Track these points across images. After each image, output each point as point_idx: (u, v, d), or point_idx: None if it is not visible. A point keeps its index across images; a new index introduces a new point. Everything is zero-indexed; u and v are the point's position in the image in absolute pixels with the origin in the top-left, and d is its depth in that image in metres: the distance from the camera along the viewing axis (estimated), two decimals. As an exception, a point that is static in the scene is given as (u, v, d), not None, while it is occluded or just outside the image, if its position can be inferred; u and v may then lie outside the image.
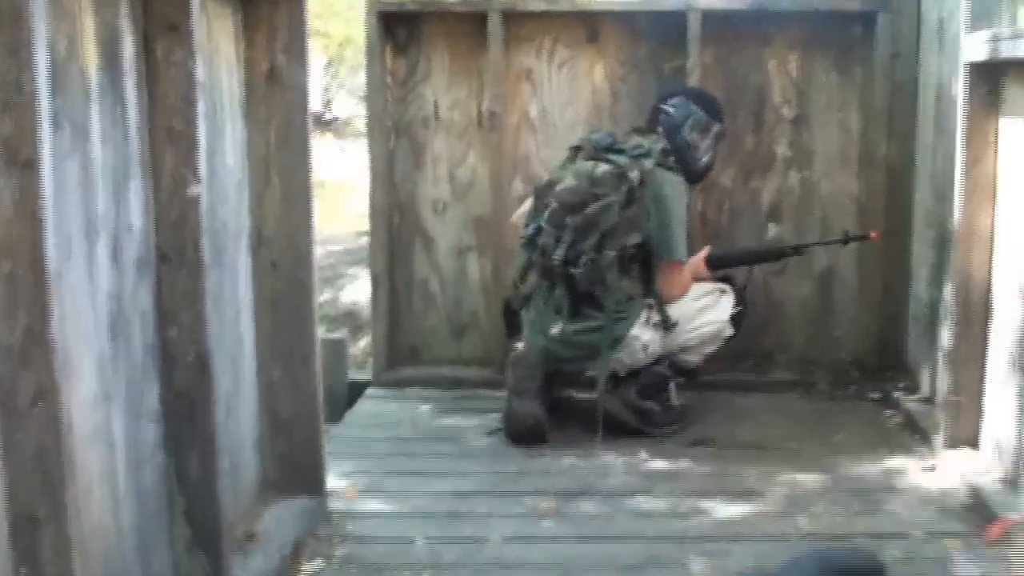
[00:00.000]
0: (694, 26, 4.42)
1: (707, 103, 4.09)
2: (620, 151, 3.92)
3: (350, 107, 14.74)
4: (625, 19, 4.57)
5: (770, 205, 4.67)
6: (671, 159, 3.96)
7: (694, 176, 4.07)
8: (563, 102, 4.63)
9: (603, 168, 3.86)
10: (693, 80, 4.43)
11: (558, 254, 3.80)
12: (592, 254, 3.76)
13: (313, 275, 3.22)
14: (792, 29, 4.56)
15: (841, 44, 4.57)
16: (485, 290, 4.71)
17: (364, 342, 6.36)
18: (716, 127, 4.08)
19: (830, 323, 4.72)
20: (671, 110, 4.03)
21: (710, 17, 4.45)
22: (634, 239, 3.80)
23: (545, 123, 4.64)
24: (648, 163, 3.85)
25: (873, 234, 4.32)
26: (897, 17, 4.42)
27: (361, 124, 14.03)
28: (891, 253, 4.52)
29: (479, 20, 4.50)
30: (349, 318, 6.92)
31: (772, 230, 4.67)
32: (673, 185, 3.90)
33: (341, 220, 9.13)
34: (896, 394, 4.32)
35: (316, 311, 3.26)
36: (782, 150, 4.64)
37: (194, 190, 2.54)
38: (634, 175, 3.80)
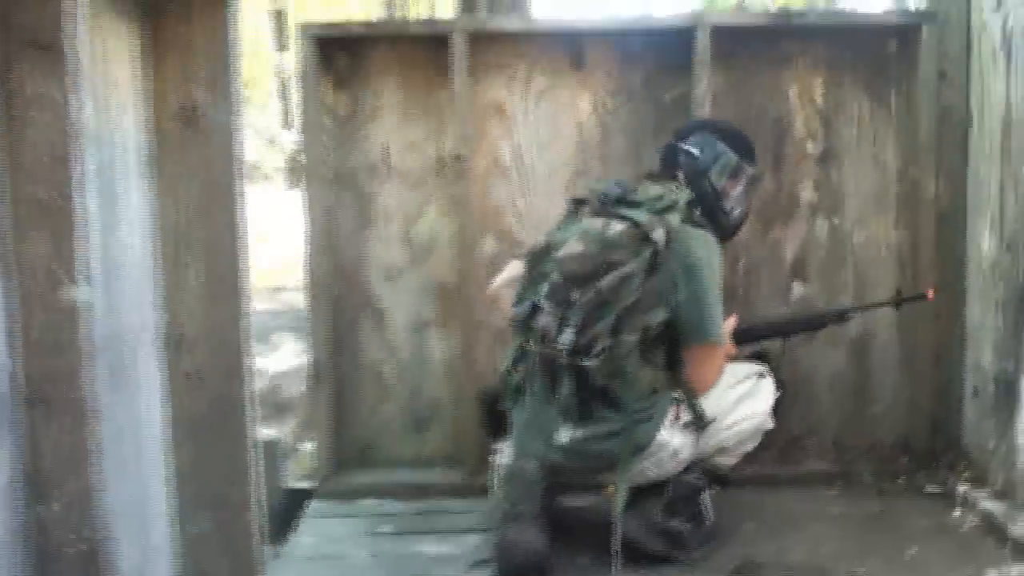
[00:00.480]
0: (703, 45, 3.61)
1: (736, 141, 3.28)
2: (636, 204, 3.09)
3: (256, 147, 13.81)
4: (617, 39, 3.74)
5: (794, 260, 3.86)
6: (697, 212, 3.15)
7: (725, 233, 3.25)
8: (542, 142, 3.78)
9: (618, 227, 3.01)
10: (702, 112, 3.62)
11: (564, 340, 2.94)
12: (608, 340, 2.91)
13: (247, 389, 2.34)
14: (817, 48, 3.78)
15: (873, 64, 3.79)
16: (450, 374, 3.83)
17: (290, 427, 5.44)
18: (749, 170, 3.27)
19: (868, 399, 3.91)
20: (695, 151, 3.22)
21: (721, 34, 3.63)
22: (659, 317, 2.96)
23: (521, 167, 3.79)
24: (674, 219, 3.02)
25: (930, 293, 3.54)
26: (944, 30, 3.65)
27: (269, 166, 13.17)
28: (941, 314, 3.74)
29: (439, 44, 3.63)
30: (269, 395, 5.98)
31: (797, 290, 3.86)
32: (706, 246, 3.07)
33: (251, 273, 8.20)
34: (961, 487, 3.54)
35: (252, 438, 2.38)
36: (807, 194, 3.84)
37: (74, 293, 1.67)
38: (658, 235, 2.96)
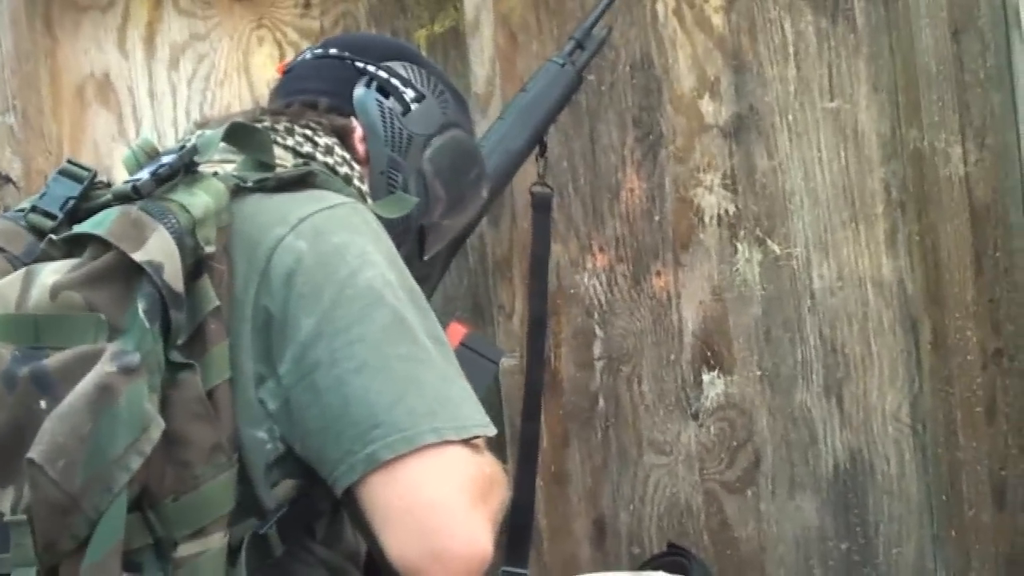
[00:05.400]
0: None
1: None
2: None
3: None
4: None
5: (699, 329, 1.99)
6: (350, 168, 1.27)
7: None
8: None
9: (51, 278, 1.03)
10: (481, 60, 1.81)
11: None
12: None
13: None
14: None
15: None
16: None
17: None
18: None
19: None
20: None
21: None
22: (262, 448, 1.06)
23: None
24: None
25: None
26: None
27: None
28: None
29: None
30: None
31: (711, 387, 2.00)
32: (355, 228, 1.13)
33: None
34: None
35: None
36: (711, 199, 1.99)
37: None
38: (158, 248, 1.00)
